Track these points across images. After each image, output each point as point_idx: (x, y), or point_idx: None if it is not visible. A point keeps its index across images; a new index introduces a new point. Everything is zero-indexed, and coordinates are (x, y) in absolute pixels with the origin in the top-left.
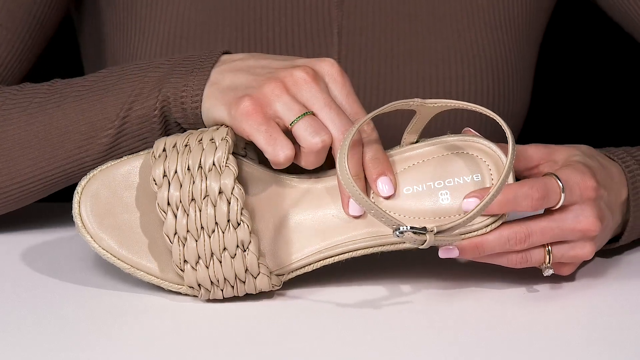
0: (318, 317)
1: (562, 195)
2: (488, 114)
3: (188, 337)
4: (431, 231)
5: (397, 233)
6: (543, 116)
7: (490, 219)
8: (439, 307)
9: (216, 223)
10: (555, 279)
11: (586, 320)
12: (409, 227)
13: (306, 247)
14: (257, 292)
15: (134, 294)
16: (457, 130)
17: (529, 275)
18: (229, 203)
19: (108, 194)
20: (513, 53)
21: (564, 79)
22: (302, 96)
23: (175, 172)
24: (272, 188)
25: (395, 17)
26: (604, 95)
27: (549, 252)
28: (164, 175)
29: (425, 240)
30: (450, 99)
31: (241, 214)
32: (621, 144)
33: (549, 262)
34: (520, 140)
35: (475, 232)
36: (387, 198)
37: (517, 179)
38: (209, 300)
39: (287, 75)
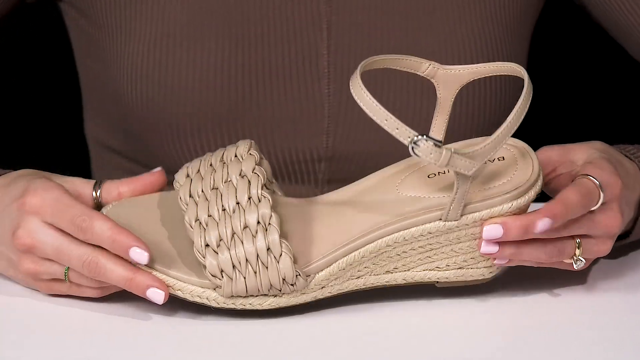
0: (324, 343)
1: (601, 194)
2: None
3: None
4: (448, 149)
5: (413, 144)
6: (537, 113)
7: (513, 194)
8: (440, 308)
9: (237, 203)
10: (556, 279)
11: (588, 321)
12: (424, 136)
13: (328, 246)
14: (282, 283)
15: (138, 320)
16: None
17: (529, 277)
18: (250, 182)
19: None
20: (504, 47)
21: (558, 77)
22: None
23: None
24: (301, 207)
25: (384, 12)
26: (599, 92)
27: (579, 245)
28: (197, 220)
29: (442, 155)
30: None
31: (262, 189)
32: (616, 140)
33: (579, 255)
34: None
35: (497, 208)
36: None
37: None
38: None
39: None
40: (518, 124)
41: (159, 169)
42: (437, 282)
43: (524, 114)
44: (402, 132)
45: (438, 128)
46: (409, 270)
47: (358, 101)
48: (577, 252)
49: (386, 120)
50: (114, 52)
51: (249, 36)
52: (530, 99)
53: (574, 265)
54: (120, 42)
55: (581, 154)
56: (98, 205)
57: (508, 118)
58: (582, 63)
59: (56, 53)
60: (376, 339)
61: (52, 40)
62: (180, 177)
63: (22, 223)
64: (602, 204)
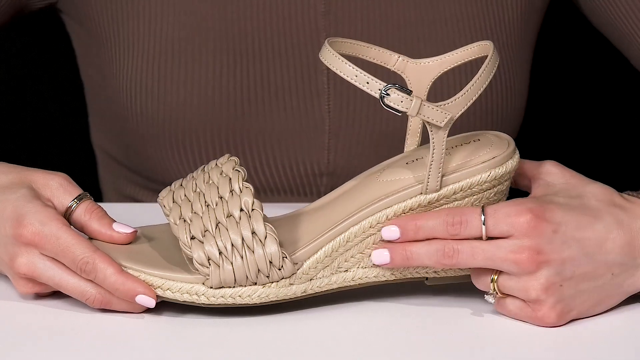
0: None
1: (483, 220)
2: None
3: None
4: (419, 98)
5: (384, 94)
6: (540, 120)
7: (490, 163)
8: (436, 314)
9: (220, 197)
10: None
11: (587, 323)
12: (395, 85)
13: (313, 234)
14: (269, 267)
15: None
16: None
17: None
18: (230, 179)
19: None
20: (507, 58)
21: (561, 82)
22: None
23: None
24: (287, 216)
25: (383, 25)
26: (604, 97)
27: (492, 280)
28: (192, 238)
29: (412, 102)
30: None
31: (243, 182)
32: (619, 144)
33: (494, 290)
34: (517, 143)
35: (475, 177)
36: None
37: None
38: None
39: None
40: (487, 81)
41: (136, 230)
42: (427, 278)
43: (494, 70)
44: (372, 85)
45: (414, 129)
46: None
47: (328, 64)
48: (492, 286)
49: (356, 76)
50: (114, 65)
51: (247, 51)
52: (497, 61)
53: (485, 298)
54: (120, 56)
55: (551, 178)
56: (67, 218)
57: (477, 74)
58: (586, 69)
59: (68, 54)
60: (372, 339)
61: (65, 40)
62: (163, 192)
63: (22, 253)
64: (511, 238)
